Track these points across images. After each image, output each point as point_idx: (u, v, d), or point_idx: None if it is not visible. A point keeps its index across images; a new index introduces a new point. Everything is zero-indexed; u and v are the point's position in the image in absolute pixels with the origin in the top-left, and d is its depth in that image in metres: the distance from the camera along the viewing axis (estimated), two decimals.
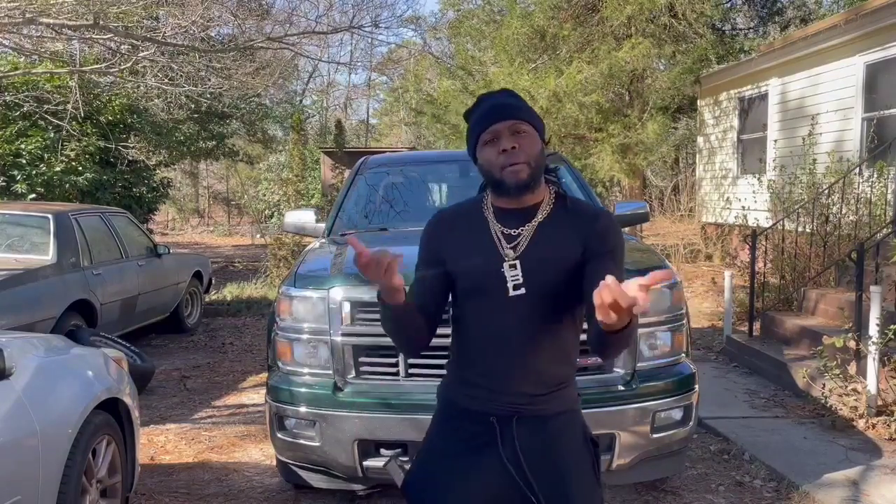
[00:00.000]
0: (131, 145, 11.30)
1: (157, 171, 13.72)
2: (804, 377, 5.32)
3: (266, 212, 20.34)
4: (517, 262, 1.76)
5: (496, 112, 1.78)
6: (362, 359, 3.29)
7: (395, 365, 3.26)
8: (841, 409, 4.85)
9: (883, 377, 4.84)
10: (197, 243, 21.92)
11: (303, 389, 3.31)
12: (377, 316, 3.23)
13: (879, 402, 4.79)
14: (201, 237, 24.90)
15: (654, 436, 3.29)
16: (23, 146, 9.97)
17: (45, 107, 9.63)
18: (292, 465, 3.51)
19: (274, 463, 3.90)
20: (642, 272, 3.38)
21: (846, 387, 4.95)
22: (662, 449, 3.38)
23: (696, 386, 3.46)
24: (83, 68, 9.00)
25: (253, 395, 5.82)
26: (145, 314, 7.41)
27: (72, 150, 10.21)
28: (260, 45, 9.83)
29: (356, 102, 40.86)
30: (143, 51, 8.75)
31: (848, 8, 12.72)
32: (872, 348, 4.75)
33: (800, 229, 7.34)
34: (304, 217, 4.96)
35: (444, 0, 23.21)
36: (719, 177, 12.43)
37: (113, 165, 11.22)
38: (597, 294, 1.38)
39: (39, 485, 2.60)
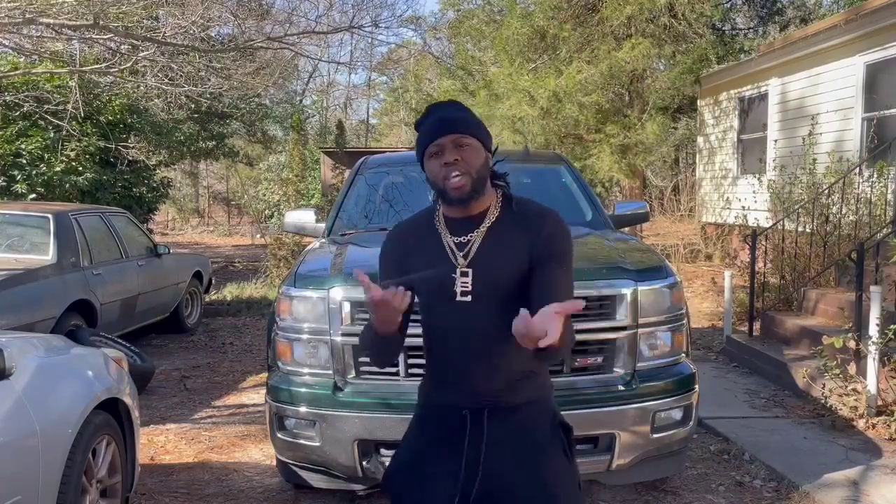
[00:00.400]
0: (131, 145, 11.30)
1: (157, 171, 13.72)
2: (804, 377, 5.32)
3: (266, 212, 20.35)
4: (469, 269, 1.85)
5: (441, 125, 1.86)
6: (362, 359, 3.29)
7: (395, 365, 3.26)
8: (841, 409, 4.85)
9: (883, 377, 4.84)
10: (197, 243, 21.92)
11: (303, 389, 3.31)
12: None
13: (879, 402, 4.79)
14: (201, 237, 24.90)
15: (654, 436, 3.29)
16: (23, 146, 9.96)
17: (45, 107, 9.63)
18: (292, 465, 3.51)
19: (274, 463, 3.90)
20: (642, 272, 3.41)
21: (846, 387, 4.95)
22: (662, 449, 3.38)
23: (696, 386, 3.46)
24: (83, 68, 9.00)
25: (253, 395, 5.82)
26: (145, 314, 7.41)
27: (72, 150, 10.21)
28: (260, 45, 9.82)
29: (356, 102, 40.90)
30: (143, 51, 8.75)
31: (848, 8, 12.72)
32: (872, 348, 4.75)
33: (800, 229, 7.34)
34: (304, 217, 4.97)
35: (444, 0, 23.23)
36: (719, 177, 12.43)
37: (113, 165, 11.22)
38: (514, 325, 1.53)
39: (39, 485, 2.60)
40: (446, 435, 1.89)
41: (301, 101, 32.91)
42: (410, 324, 2.04)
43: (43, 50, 9.26)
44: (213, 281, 9.74)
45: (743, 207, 10.60)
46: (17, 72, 9.62)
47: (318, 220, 4.87)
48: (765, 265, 7.86)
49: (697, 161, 13.85)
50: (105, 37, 8.10)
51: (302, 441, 3.31)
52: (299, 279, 3.47)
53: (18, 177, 9.86)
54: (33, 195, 9.78)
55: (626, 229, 5.49)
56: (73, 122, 9.77)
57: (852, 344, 5.05)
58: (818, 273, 6.93)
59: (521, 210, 1.92)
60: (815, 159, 8.48)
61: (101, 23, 7.47)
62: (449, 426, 1.89)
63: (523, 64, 12.22)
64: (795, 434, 4.66)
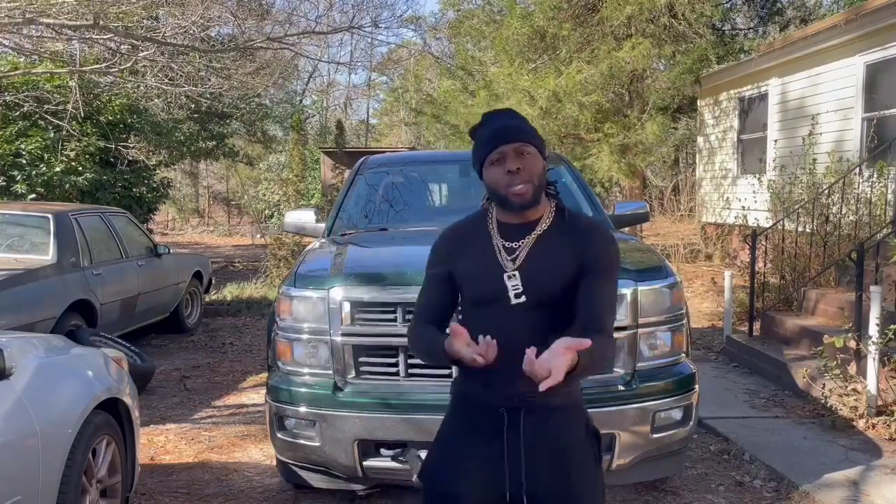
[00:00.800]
0: (131, 145, 11.30)
1: (157, 171, 13.71)
2: (804, 377, 5.32)
3: (266, 212, 20.35)
4: (516, 272, 1.90)
5: (503, 134, 1.91)
6: (362, 359, 3.29)
7: (395, 365, 3.26)
8: (841, 409, 4.85)
9: (883, 377, 4.84)
10: (197, 243, 21.92)
11: (303, 389, 3.31)
12: (377, 316, 3.26)
13: (879, 402, 4.79)
14: (201, 237, 24.90)
15: (655, 436, 3.29)
16: (23, 146, 9.96)
17: (45, 107, 9.63)
18: (292, 465, 3.51)
19: (274, 463, 3.90)
20: (642, 272, 3.41)
21: (846, 387, 4.95)
22: (662, 449, 3.38)
23: (696, 386, 3.46)
24: (83, 68, 9.00)
25: (253, 395, 5.82)
26: (145, 314, 7.41)
27: (72, 150, 10.21)
28: (260, 45, 9.82)
29: (356, 102, 40.90)
30: (143, 51, 8.75)
31: (848, 8, 12.73)
32: (872, 348, 4.75)
33: (800, 229, 7.34)
34: (304, 217, 4.97)
35: (444, 0, 23.23)
36: (719, 177, 12.43)
37: (113, 165, 11.22)
38: (523, 364, 1.63)
39: (39, 485, 2.60)
40: (483, 432, 1.92)
41: (301, 101, 32.91)
42: None
43: (43, 50, 9.26)
44: (213, 281, 9.74)
45: (743, 207, 10.60)
46: (17, 72, 9.62)
47: (318, 220, 4.87)
48: (765, 265, 7.86)
49: (697, 161, 13.85)
50: (105, 37, 8.10)
51: (302, 441, 3.31)
52: (299, 279, 3.47)
53: (18, 177, 9.86)
54: (33, 195, 9.78)
55: (626, 229, 5.50)
56: (73, 122, 9.76)
57: (852, 344, 5.05)
58: (818, 273, 6.93)
59: (573, 221, 1.98)
60: (815, 159, 8.48)
61: (101, 23, 7.47)
62: (485, 424, 1.92)
63: (523, 64, 12.22)
64: (795, 434, 4.66)
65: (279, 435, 3.38)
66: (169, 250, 8.13)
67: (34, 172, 9.89)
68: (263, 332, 6.64)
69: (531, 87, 11.55)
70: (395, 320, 3.22)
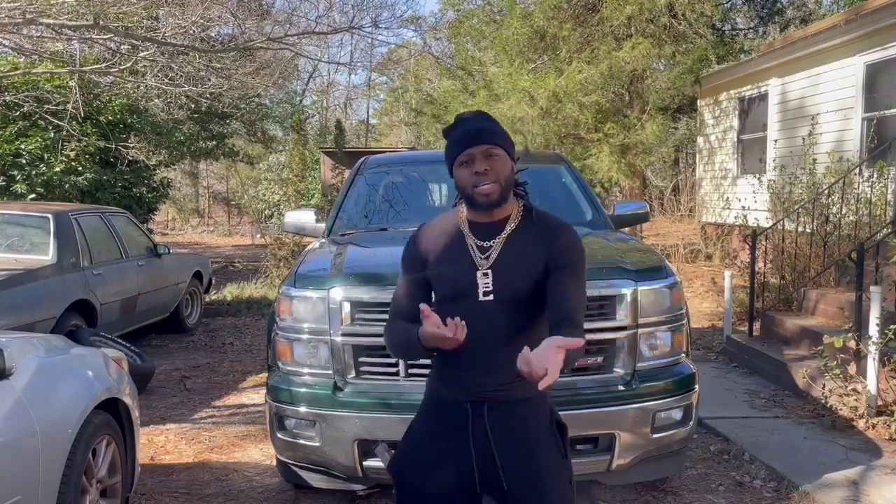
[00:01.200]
0: (131, 145, 11.29)
1: (157, 171, 13.71)
2: (804, 377, 5.32)
3: (266, 212, 20.35)
4: (489, 271, 1.98)
5: (472, 136, 1.98)
6: (362, 359, 3.29)
7: (395, 365, 3.26)
8: (841, 409, 4.85)
9: (883, 377, 4.84)
10: (197, 243, 21.92)
11: (303, 389, 3.31)
12: (377, 316, 3.25)
13: (879, 402, 4.79)
14: (201, 237, 24.90)
15: (654, 436, 3.29)
16: (23, 146, 9.96)
17: (45, 107, 9.62)
18: (292, 465, 3.51)
19: (274, 463, 3.90)
20: (642, 272, 3.41)
21: (846, 387, 4.95)
22: (662, 449, 3.38)
23: (696, 386, 3.46)
24: (83, 68, 9.00)
25: (253, 395, 5.82)
26: (145, 314, 7.41)
27: (72, 150, 10.20)
28: (260, 45, 9.82)
29: (356, 102, 40.90)
30: (143, 51, 8.75)
31: (848, 8, 12.72)
32: (872, 348, 4.75)
33: (800, 229, 7.34)
34: (304, 217, 4.97)
35: (444, 0, 23.24)
36: (719, 177, 12.43)
37: (113, 165, 11.22)
38: (518, 363, 1.67)
39: (39, 485, 2.60)
40: (449, 425, 2.00)
41: (301, 101, 32.90)
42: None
43: (43, 50, 9.26)
44: (213, 281, 9.74)
45: (743, 207, 10.60)
46: (17, 72, 9.62)
47: (318, 220, 4.87)
48: (765, 265, 7.86)
49: (697, 161, 13.85)
50: (105, 37, 8.10)
51: (302, 441, 3.31)
52: (299, 279, 3.47)
53: (18, 177, 9.86)
54: (33, 195, 9.78)
55: (626, 229, 5.50)
56: (73, 122, 9.76)
57: (852, 344, 5.05)
58: (818, 273, 6.93)
59: (540, 220, 2.04)
60: (815, 159, 8.48)
61: (101, 23, 7.46)
62: (451, 419, 2.00)
63: (523, 64, 12.21)
64: (795, 434, 4.66)
65: (279, 435, 3.38)
66: (169, 250, 8.13)
67: (34, 172, 9.89)
68: (263, 332, 6.64)
69: (531, 87, 11.53)
70: None
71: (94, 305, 6.17)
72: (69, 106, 9.00)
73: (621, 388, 3.28)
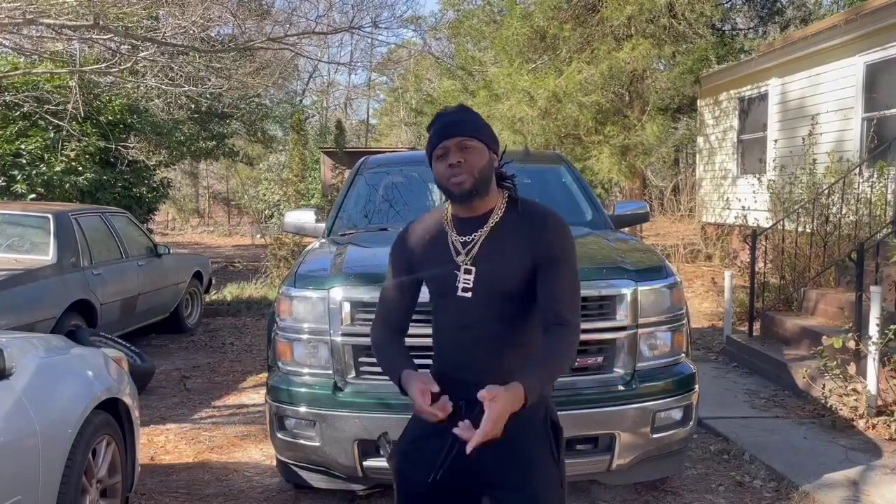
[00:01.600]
0: (131, 145, 11.30)
1: (157, 171, 13.71)
2: (804, 377, 5.32)
3: (266, 212, 20.35)
4: (472, 267, 1.94)
5: (447, 130, 1.97)
6: (362, 359, 3.29)
7: None
8: (841, 409, 4.85)
9: (883, 377, 4.84)
10: (197, 243, 21.92)
11: (303, 389, 3.31)
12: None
13: (879, 402, 4.79)
14: (201, 237, 24.90)
15: (654, 436, 3.29)
16: (23, 146, 9.96)
17: (45, 107, 9.63)
18: (292, 465, 3.51)
19: (274, 463, 3.90)
20: (642, 272, 3.41)
21: (846, 387, 4.95)
22: (662, 449, 3.38)
23: (696, 386, 3.46)
24: (83, 68, 9.00)
25: (253, 395, 5.82)
26: (145, 314, 7.41)
27: (72, 150, 10.21)
28: (260, 45, 9.82)
29: (356, 102, 40.91)
30: (143, 51, 8.75)
31: (848, 8, 12.72)
32: (872, 348, 4.75)
33: (800, 229, 7.34)
34: (304, 217, 4.97)
35: (444, 0, 23.24)
36: (719, 177, 12.43)
37: (113, 165, 11.22)
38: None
39: (39, 485, 2.60)
40: (443, 427, 1.93)
41: (301, 101, 32.90)
42: (413, 324, 2.14)
43: (43, 50, 9.26)
44: (213, 281, 9.74)
45: (743, 207, 10.60)
46: (17, 72, 9.62)
47: (318, 220, 4.87)
48: (765, 265, 7.86)
49: (697, 161, 13.84)
50: (105, 37, 8.10)
51: (302, 441, 3.31)
52: (299, 279, 3.47)
53: (18, 177, 9.86)
54: (33, 195, 9.78)
55: (626, 229, 5.50)
56: (73, 122, 9.77)
57: (852, 344, 5.05)
58: (818, 273, 6.93)
59: (526, 211, 1.99)
60: (815, 159, 8.48)
61: (101, 23, 7.46)
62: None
63: (523, 64, 12.21)
64: (795, 434, 4.66)
65: (279, 435, 3.38)
66: (169, 250, 8.13)
67: (34, 172, 9.89)
68: (263, 332, 6.65)
69: (531, 88, 11.54)
70: None
71: (94, 305, 6.17)
72: (69, 106, 9.00)
73: (621, 388, 3.28)
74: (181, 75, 9.44)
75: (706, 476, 4.09)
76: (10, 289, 5.26)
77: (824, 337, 5.05)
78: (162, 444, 4.75)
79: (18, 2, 7.00)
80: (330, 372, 3.30)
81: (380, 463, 3.20)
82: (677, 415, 3.37)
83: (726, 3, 16.92)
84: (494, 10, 17.28)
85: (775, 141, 10.43)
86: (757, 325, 6.91)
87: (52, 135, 10.11)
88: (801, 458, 4.24)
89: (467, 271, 1.94)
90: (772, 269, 8.04)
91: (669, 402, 3.32)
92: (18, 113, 10.11)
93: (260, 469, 4.28)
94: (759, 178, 10.61)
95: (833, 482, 3.88)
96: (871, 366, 4.77)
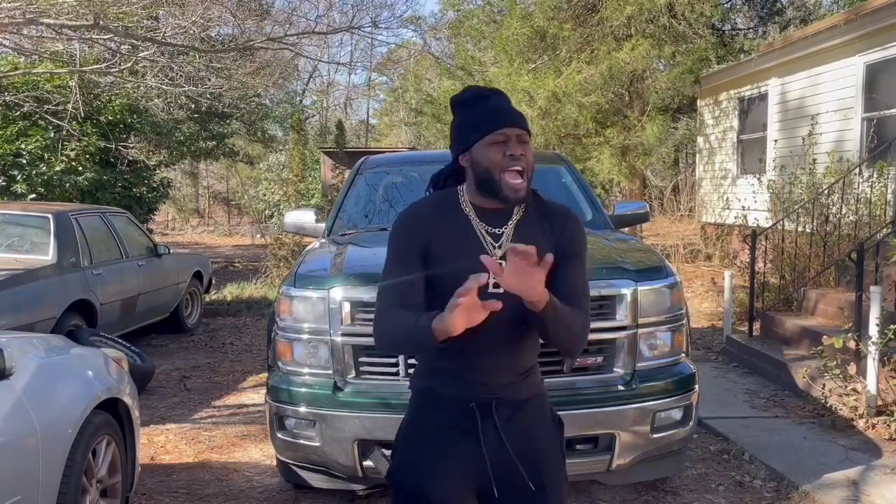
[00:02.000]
0: (131, 145, 11.30)
1: (157, 171, 13.72)
2: (804, 377, 5.32)
3: (266, 212, 20.34)
4: (502, 261, 1.75)
5: (509, 117, 1.84)
6: (362, 359, 3.29)
7: (395, 365, 3.26)
8: (841, 409, 4.85)
9: (883, 377, 4.84)
10: (197, 243, 21.92)
11: (303, 389, 3.31)
12: None
13: (879, 402, 4.79)
14: (201, 237, 24.90)
15: (654, 436, 3.29)
16: (23, 146, 9.96)
17: (45, 107, 9.63)
18: (292, 465, 3.51)
19: (274, 463, 3.91)
20: (642, 272, 3.41)
21: (846, 387, 4.95)
22: (662, 449, 3.38)
23: (696, 386, 3.46)
24: (83, 68, 9.00)
25: (253, 395, 5.82)
26: (145, 314, 7.41)
27: (72, 150, 10.21)
28: (260, 45, 9.82)
29: (356, 102, 40.90)
30: (143, 51, 8.75)
31: (848, 8, 12.72)
32: (872, 348, 4.75)
33: (800, 229, 7.34)
34: (304, 217, 4.97)
35: (444, 0, 23.22)
36: (719, 177, 12.43)
37: (113, 165, 11.22)
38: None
39: (39, 485, 2.60)
40: (453, 430, 1.86)
41: (301, 101, 32.91)
42: None
43: (43, 50, 9.26)
44: (213, 281, 9.74)
45: (743, 207, 10.60)
46: (17, 72, 9.62)
47: (318, 220, 4.87)
48: (765, 265, 7.86)
49: (697, 161, 13.84)
50: (105, 37, 8.10)
51: (302, 441, 3.31)
52: (299, 279, 3.47)
53: (18, 177, 9.86)
54: (33, 195, 9.78)
55: (626, 229, 5.50)
56: (73, 122, 9.77)
57: (852, 344, 5.05)
58: (818, 273, 6.93)
59: (547, 207, 1.94)
60: (814, 159, 8.48)
61: (101, 23, 7.47)
62: (456, 420, 1.86)
63: (523, 64, 12.22)
64: (795, 434, 4.66)
65: (279, 435, 3.38)
66: (169, 250, 8.13)
67: (34, 172, 9.89)
68: (263, 332, 6.64)
69: (531, 88, 11.54)
70: None
71: (94, 305, 6.17)
72: (69, 106, 9.00)
73: (621, 388, 3.28)
74: (181, 75, 9.44)
75: (706, 476, 4.09)
76: (10, 289, 5.26)
77: (824, 337, 5.06)
78: (162, 444, 4.75)
79: (18, 2, 7.00)
80: (330, 372, 3.30)
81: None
82: (677, 415, 3.37)
83: (726, 3, 16.92)
84: (494, 10, 17.27)
85: (775, 141, 10.43)
86: (757, 325, 6.91)
87: (52, 135, 10.11)
88: (801, 457, 4.24)
89: (499, 265, 1.75)
90: (772, 269, 8.04)
91: (669, 402, 3.32)
92: (18, 113, 10.11)
93: (260, 469, 4.28)
94: (758, 178, 10.61)
95: (833, 482, 3.88)
96: (871, 366, 4.77)
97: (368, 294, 3.24)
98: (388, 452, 3.17)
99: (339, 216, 4.64)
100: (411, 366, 3.23)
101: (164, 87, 9.68)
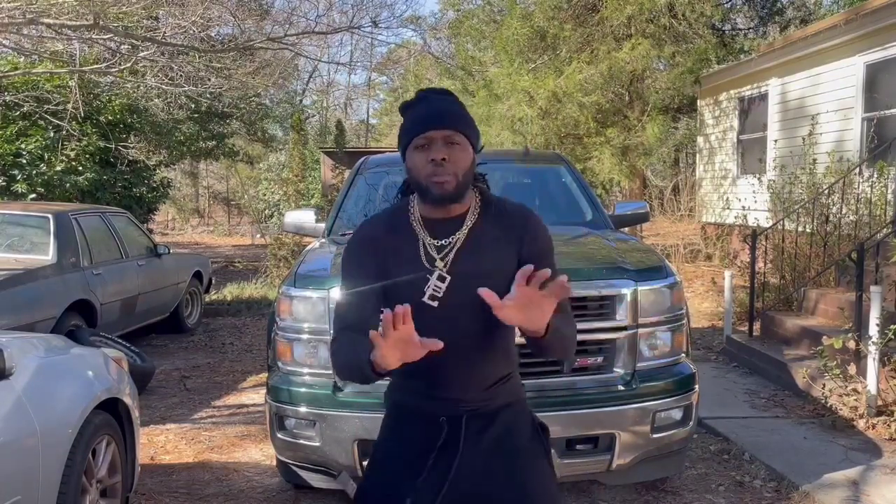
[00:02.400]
0: (131, 145, 11.31)
1: (157, 171, 13.72)
2: (804, 377, 5.32)
3: (266, 212, 20.34)
4: (447, 275, 1.74)
5: (433, 118, 1.74)
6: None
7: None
8: (841, 409, 4.85)
9: (883, 377, 4.84)
10: (197, 243, 21.92)
11: (303, 389, 3.31)
12: None
13: (879, 402, 4.79)
14: (201, 237, 24.90)
15: (654, 436, 3.29)
16: (23, 146, 9.97)
17: (45, 107, 9.63)
18: (292, 465, 3.51)
19: (274, 463, 3.90)
20: (642, 272, 3.41)
21: (846, 387, 4.95)
22: (662, 449, 3.38)
23: (696, 386, 3.46)
24: (83, 68, 9.00)
25: (253, 395, 5.82)
26: (145, 314, 7.41)
27: (72, 150, 10.21)
28: (260, 45, 9.83)
29: (356, 102, 40.93)
30: (143, 51, 8.75)
31: (848, 8, 12.72)
32: (872, 348, 4.75)
33: (800, 229, 7.34)
34: (303, 217, 4.97)
35: (444, 0, 23.23)
36: (719, 177, 12.43)
37: (113, 165, 11.23)
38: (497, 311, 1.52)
39: (39, 485, 2.60)
40: (423, 446, 1.80)
41: (301, 101, 32.92)
42: None
43: (43, 50, 9.26)
44: (213, 281, 9.74)
45: (743, 207, 10.60)
46: (17, 72, 9.62)
47: (317, 220, 4.87)
48: (765, 265, 7.86)
49: (697, 161, 13.85)
50: (105, 37, 8.10)
51: (302, 441, 3.31)
52: (299, 279, 3.47)
53: (18, 177, 9.86)
54: (33, 195, 9.79)
55: (626, 229, 5.50)
56: (73, 122, 9.77)
57: (852, 344, 5.05)
58: (818, 273, 6.93)
59: (500, 210, 1.83)
60: (815, 159, 8.48)
61: (101, 23, 7.47)
62: (426, 436, 1.80)
63: (523, 64, 12.21)
64: (795, 434, 4.66)
65: (279, 435, 3.38)
66: (169, 250, 8.13)
67: (34, 172, 9.89)
68: (263, 332, 6.64)
69: (531, 88, 11.54)
70: None
71: (94, 305, 6.17)
72: (69, 106, 9.01)
73: (621, 388, 3.28)
74: (181, 75, 9.44)
75: (706, 476, 4.09)
76: (10, 289, 5.26)
77: (824, 337, 5.05)
78: (162, 444, 4.75)
79: (18, 2, 7.00)
80: (330, 372, 3.29)
81: None
82: (677, 415, 3.37)
83: (726, 3, 16.92)
84: (494, 10, 17.26)
85: (775, 141, 10.43)
86: (757, 325, 6.91)
87: (52, 135, 10.11)
88: (801, 457, 4.24)
89: (441, 278, 1.74)
90: (772, 269, 8.04)
91: (669, 402, 3.32)
92: (18, 113, 10.12)
93: (260, 469, 4.28)
94: (759, 178, 10.61)
95: (833, 482, 3.88)
96: (871, 366, 4.77)
97: None
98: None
99: (339, 216, 4.64)
100: None
101: (163, 86, 9.69)
